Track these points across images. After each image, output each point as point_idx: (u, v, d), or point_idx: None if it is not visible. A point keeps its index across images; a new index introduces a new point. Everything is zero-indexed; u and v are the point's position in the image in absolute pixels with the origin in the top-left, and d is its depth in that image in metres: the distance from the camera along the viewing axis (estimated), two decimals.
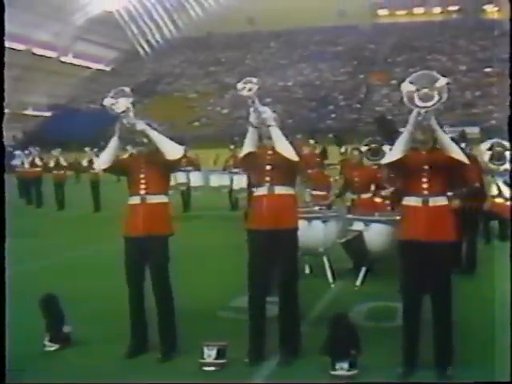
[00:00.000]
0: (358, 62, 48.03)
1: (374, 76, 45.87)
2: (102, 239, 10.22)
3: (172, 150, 4.50)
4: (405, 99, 3.93)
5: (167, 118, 36.33)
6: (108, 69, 55.53)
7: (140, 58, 55.69)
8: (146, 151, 4.63)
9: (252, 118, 4.50)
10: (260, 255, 4.47)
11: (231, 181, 14.01)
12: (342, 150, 15.27)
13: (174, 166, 4.66)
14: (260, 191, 4.57)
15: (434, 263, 4.14)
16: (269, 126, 4.47)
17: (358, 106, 43.11)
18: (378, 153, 8.49)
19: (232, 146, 15.56)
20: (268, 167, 4.53)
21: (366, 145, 8.94)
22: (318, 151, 11.99)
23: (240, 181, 13.11)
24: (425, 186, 4.17)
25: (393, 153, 4.27)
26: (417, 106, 3.93)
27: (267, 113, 4.48)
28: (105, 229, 10.96)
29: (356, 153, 8.45)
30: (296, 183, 4.68)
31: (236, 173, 13.36)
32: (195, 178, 13.91)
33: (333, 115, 42.11)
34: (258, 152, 4.60)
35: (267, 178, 4.52)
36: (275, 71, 47.21)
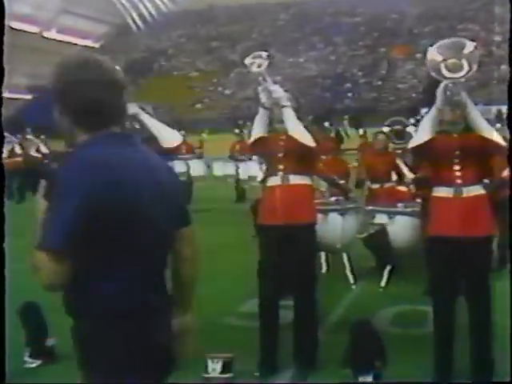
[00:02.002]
0: (379, 34, 47.85)
1: (397, 49, 45.67)
2: None
3: (169, 137, 4.46)
4: (430, 70, 3.86)
5: (164, 100, 36.28)
6: (97, 45, 55.58)
7: (133, 33, 55.71)
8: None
9: (263, 98, 4.48)
10: (272, 253, 4.46)
11: (237, 169, 13.99)
12: (361, 132, 15.21)
13: (170, 154, 4.65)
14: (272, 181, 4.55)
15: (469, 261, 4.09)
16: (282, 106, 4.44)
17: (379, 83, 43.05)
18: (402, 135, 8.40)
19: (237, 131, 15.57)
20: (281, 154, 4.51)
21: (388, 126, 8.85)
22: (332, 134, 11.92)
23: (247, 169, 13.07)
24: (457, 173, 4.12)
25: (419, 135, 4.21)
26: (444, 78, 3.86)
27: (279, 92, 4.45)
28: None
29: (381, 137, 8.38)
30: (313, 172, 4.68)
31: (242, 160, 13.31)
32: (196, 167, 13.91)
33: (350, 94, 42.09)
34: (270, 137, 4.58)
35: (280, 167, 4.50)
36: (285, 46, 47.04)
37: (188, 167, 13.70)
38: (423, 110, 8.54)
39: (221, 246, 9.28)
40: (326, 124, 12.35)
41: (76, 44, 54.79)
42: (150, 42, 54.20)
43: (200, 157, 14.76)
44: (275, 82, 4.52)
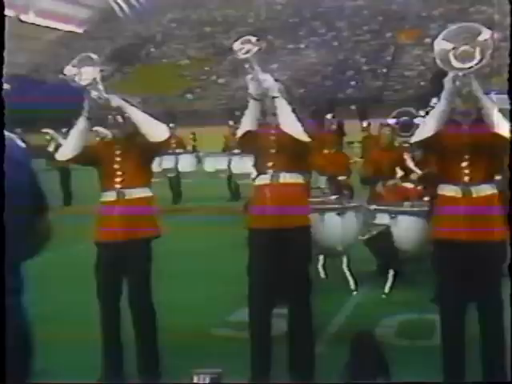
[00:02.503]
0: (384, 18, 47.74)
1: (404, 34, 45.61)
2: (70, 241, 10.08)
3: (156, 131, 4.42)
4: (437, 60, 3.78)
5: (153, 90, 36.27)
6: (80, 31, 55.45)
7: (119, 18, 55.61)
8: (123, 134, 4.55)
9: (251, 89, 4.42)
10: (263, 259, 4.41)
11: (229, 164, 14.00)
12: (364, 124, 15.19)
13: (158, 150, 4.60)
14: (262, 180, 4.49)
15: (479, 266, 4.05)
16: (273, 97, 4.39)
17: (384, 70, 42.97)
18: (409, 127, 8.36)
19: (231, 123, 15.58)
20: (272, 150, 4.46)
21: (394, 117, 8.83)
22: (334, 126, 11.91)
23: (240, 164, 13.07)
24: (466, 170, 4.06)
25: (425, 128, 4.14)
26: (453, 68, 3.79)
27: (269, 81, 4.39)
28: (76, 228, 10.84)
29: (387, 131, 8.36)
30: (307, 170, 4.64)
31: (235, 154, 13.31)
32: (185, 162, 14.02)
33: (353, 83, 41.99)
34: (260, 131, 4.53)
35: (270, 164, 4.44)
36: (283, 31, 47.03)
37: (177, 162, 13.68)
38: (433, 100, 8.50)
39: (210, 249, 9.30)
40: (328, 116, 12.36)
41: (58, 29, 54.69)
42: (138, 27, 54.08)
43: (190, 151, 14.74)
44: (271, 71, 4.50)
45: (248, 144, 4.58)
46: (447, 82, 3.92)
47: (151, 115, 4.50)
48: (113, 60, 42.25)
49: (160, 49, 51.42)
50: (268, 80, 4.39)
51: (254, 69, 4.35)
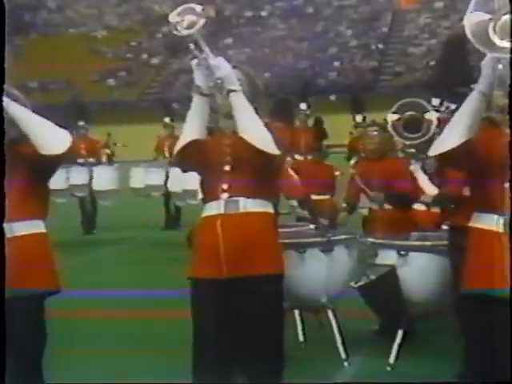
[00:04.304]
0: None
1: None
2: None
3: (51, 139, 4.36)
4: (468, 34, 3.77)
5: (55, 73, 36.07)
6: None
7: None
8: (6, 142, 4.43)
9: (198, 79, 4.42)
10: (213, 322, 4.43)
11: (166, 178, 14.02)
12: (358, 119, 15.39)
13: (54, 165, 4.52)
14: (212, 209, 4.48)
15: None
16: (229, 92, 4.36)
17: (380, 46, 43.53)
18: (417, 127, 8.30)
19: (167, 120, 15.77)
20: (226, 167, 4.45)
21: (395, 112, 8.84)
22: (311, 123, 12.00)
23: (182, 177, 13.06)
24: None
25: (452, 134, 4.11)
26: (494, 49, 3.76)
27: (223, 69, 4.35)
28: None
29: (374, 131, 8.41)
30: (276, 193, 4.72)
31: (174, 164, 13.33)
32: (103, 177, 13.92)
33: (336, 63, 42.42)
34: (209, 141, 4.54)
35: (224, 186, 4.43)
36: None
37: (90, 177, 13.59)
38: (434, 101, 8.54)
39: (141, 300, 9.10)
40: (303, 106, 12.37)
41: None
42: None
43: (109, 162, 14.72)
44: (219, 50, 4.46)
45: (191, 159, 4.54)
46: (485, 66, 3.91)
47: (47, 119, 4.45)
48: None
49: (64, 13, 51.37)
50: (222, 67, 4.35)
51: (202, 51, 4.33)
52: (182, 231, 11.94)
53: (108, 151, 15.42)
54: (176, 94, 34.69)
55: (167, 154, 14.89)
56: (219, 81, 4.34)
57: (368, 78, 39.17)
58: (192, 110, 4.49)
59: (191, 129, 4.51)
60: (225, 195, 4.43)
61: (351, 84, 35.72)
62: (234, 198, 4.42)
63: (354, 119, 16.46)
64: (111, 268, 11.43)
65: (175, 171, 13.59)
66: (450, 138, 4.12)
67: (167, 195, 14.79)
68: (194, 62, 4.39)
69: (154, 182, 14.59)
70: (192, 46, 4.32)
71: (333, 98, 34.92)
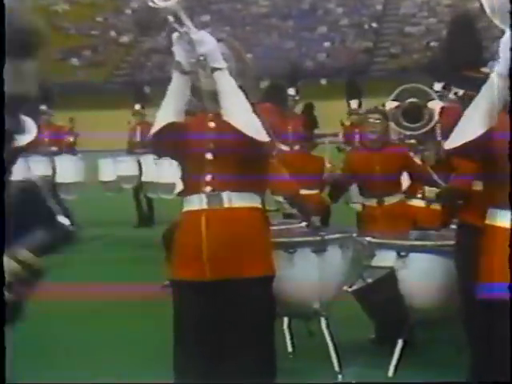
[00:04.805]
0: None
1: None
2: None
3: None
4: (487, 9, 3.76)
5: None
6: None
7: None
8: None
9: (179, 54, 4.42)
10: (195, 328, 4.51)
11: (140, 169, 14.16)
12: (354, 105, 15.45)
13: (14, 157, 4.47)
14: (193, 204, 4.52)
15: None
16: (213, 70, 4.36)
17: (374, 25, 43.62)
18: (418, 115, 8.28)
19: (138, 106, 15.79)
20: (208, 155, 4.48)
21: (394, 99, 8.82)
22: (300, 110, 12.07)
23: (157, 168, 13.23)
24: None
25: (471, 124, 4.09)
26: None
27: (207, 43, 4.36)
28: None
29: (375, 118, 8.37)
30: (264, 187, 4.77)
31: (147, 153, 13.33)
32: (67, 168, 13.97)
33: (326, 44, 42.47)
34: (189, 124, 4.56)
35: (207, 178, 4.45)
36: None
37: (53, 168, 13.52)
38: (437, 85, 8.52)
39: (108, 308, 9.06)
40: (291, 91, 12.32)
41: None
42: None
43: (73, 151, 14.66)
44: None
45: (168, 145, 4.57)
46: (505, 45, 3.85)
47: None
48: None
49: None
50: (205, 42, 4.35)
51: (183, 24, 4.31)
52: (156, 229, 12.24)
53: (71, 139, 15.24)
54: (148, 76, 34.73)
55: (138, 139, 15.02)
56: (202, 57, 4.33)
57: (361, 60, 39.32)
58: (171, 89, 4.51)
59: (169, 110, 4.53)
60: (208, 188, 4.45)
61: (342, 67, 35.77)
62: (218, 192, 4.44)
63: (348, 105, 16.45)
64: (75, 269, 11.28)
65: (148, 161, 13.61)
66: (470, 129, 4.12)
67: (137, 188, 14.85)
68: (175, 37, 4.37)
69: (123, 172, 14.67)
70: (171, 18, 4.29)
71: (324, 82, 35.06)
